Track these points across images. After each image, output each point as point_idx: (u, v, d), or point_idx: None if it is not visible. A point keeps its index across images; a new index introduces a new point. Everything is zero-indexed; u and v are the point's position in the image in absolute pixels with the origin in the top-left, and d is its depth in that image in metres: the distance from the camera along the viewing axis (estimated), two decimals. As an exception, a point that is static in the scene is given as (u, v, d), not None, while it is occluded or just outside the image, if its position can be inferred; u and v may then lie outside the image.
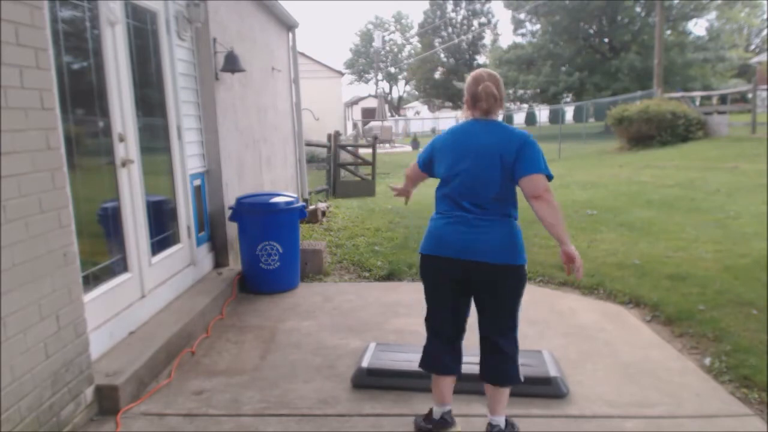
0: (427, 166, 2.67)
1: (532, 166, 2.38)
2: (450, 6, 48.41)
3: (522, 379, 2.53)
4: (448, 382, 2.60)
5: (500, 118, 2.60)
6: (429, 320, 2.63)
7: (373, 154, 12.37)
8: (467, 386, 2.91)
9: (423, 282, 2.61)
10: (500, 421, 2.52)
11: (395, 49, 62.04)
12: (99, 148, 3.32)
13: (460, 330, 2.59)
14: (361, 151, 15.56)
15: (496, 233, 2.43)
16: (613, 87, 26.65)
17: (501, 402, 2.53)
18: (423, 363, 2.64)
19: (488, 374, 2.54)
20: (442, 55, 48.18)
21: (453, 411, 2.64)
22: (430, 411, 2.64)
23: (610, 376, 3.13)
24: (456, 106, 49.08)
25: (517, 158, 2.39)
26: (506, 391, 2.54)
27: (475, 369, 3.02)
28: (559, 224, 2.36)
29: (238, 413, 2.81)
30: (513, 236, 2.46)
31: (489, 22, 47.97)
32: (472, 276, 2.46)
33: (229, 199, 5.01)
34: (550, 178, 2.44)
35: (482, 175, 2.44)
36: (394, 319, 4.10)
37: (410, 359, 3.18)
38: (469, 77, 2.59)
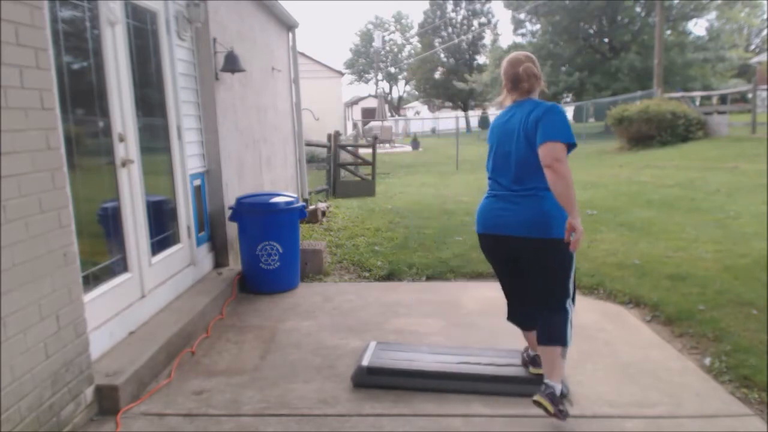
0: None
1: (545, 134, 2.44)
2: (450, 6, 48.36)
3: (566, 343, 2.61)
4: (527, 334, 2.96)
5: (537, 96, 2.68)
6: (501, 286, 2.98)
7: (373, 154, 12.36)
8: (467, 386, 2.92)
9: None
10: (552, 384, 2.56)
11: (395, 49, 62.05)
12: (99, 148, 3.32)
13: (522, 295, 2.80)
14: (361, 151, 15.54)
15: (526, 208, 2.54)
16: (613, 87, 26.61)
17: (549, 366, 2.61)
18: (508, 316, 3.02)
19: (536, 334, 2.71)
20: (442, 55, 48.13)
21: (452, 411, 2.75)
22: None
23: (610, 376, 3.13)
24: (456, 106, 49.03)
25: (536, 128, 2.47)
26: (552, 353, 2.59)
27: (474, 369, 3.04)
28: (565, 195, 2.41)
29: (238, 413, 2.81)
30: (545, 211, 2.52)
31: (489, 22, 47.90)
32: (510, 249, 2.63)
33: (229, 199, 5.01)
34: (571, 146, 2.48)
35: (511, 152, 2.57)
36: (394, 319, 4.10)
37: (411, 358, 3.18)
38: (504, 62, 2.69)
